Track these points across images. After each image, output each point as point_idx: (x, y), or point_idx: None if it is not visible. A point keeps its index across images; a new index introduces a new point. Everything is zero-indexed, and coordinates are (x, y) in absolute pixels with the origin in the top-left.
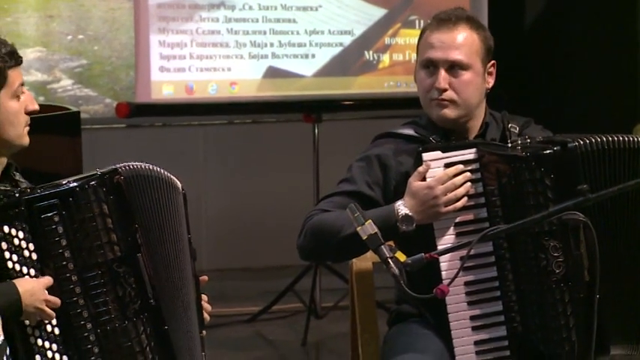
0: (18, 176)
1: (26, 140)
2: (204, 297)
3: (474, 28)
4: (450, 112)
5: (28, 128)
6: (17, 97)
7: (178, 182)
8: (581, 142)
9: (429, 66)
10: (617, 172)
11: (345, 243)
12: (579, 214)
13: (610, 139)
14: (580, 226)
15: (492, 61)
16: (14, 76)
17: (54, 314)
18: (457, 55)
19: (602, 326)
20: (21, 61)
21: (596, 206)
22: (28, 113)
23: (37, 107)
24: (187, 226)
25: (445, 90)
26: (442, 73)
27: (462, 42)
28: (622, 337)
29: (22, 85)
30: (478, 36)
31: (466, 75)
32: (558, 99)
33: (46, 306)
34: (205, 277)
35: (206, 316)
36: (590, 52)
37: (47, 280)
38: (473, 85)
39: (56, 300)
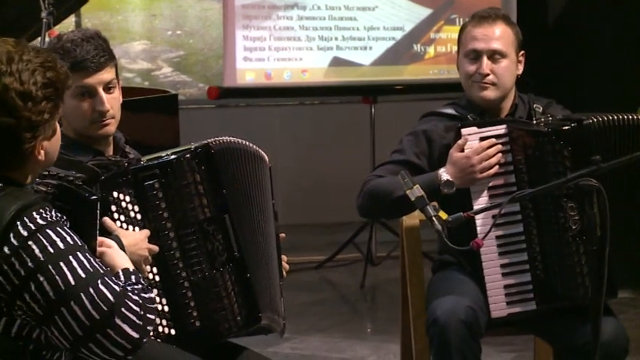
0: (128, 148)
1: (95, 132)
2: (283, 258)
3: (509, 23)
4: (490, 94)
5: (105, 122)
6: (78, 96)
7: (265, 155)
8: (595, 120)
9: (473, 55)
10: (625, 145)
11: (396, 203)
12: (592, 179)
13: (619, 117)
14: (593, 190)
15: (522, 51)
16: (73, 79)
17: (150, 260)
18: (497, 45)
19: (612, 273)
20: (84, 67)
21: (607, 173)
22: (100, 112)
23: (103, 109)
24: (272, 191)
25: (487, 75)
26: (485, 60)
27: (500, 34)
28: (629, 283)
29: (93, 88)
30: (512, 30)
31: (504, 62)
32: (575, 83)
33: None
34: (283, 235)
35: (284, 273)
36: (601, 45)
37: (146, 232)
38: (509, 70)
39: (155, 247)
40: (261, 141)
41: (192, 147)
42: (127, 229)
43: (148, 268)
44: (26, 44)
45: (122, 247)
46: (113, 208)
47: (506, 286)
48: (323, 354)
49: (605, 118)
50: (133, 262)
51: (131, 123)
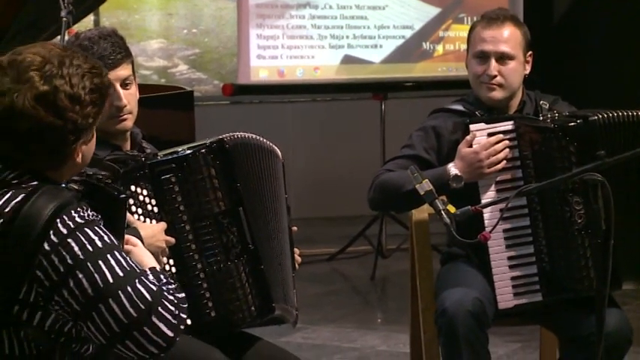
0: (145, 143)
1: (113, 127)
2: (296, 250)
3: (517, 25)
4: (497, 94)
5: (123, 117)
6: None
7: (278, 150)
8: (600, 116)
9: (482, 56)
10: (629, 141)
11: (406, 197)
12: (597, 174)
13: (625, 113)
14: (598, 185)
15: (530, 52)
16: None
17: (167, 252)
18: (505, 48)
19: (616, 266)
20: (104, 64)
21: (611, 168)
22: (118, 107)
23: (120, 104)
24: (285, 185)
25: (495, 76)
26: (493, 62)
27: (509, 37)
28: (632, 275)
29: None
30: (520, 31)
31: (512, 64)
32: (578, 82)
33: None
34: (296, 228)
35: (297, 265)
36: (605, 44)
37: (163, 224)
38: (516, 72)
39: (172, 239)
40: (274, 136)
41: (208, 142)
42: (144, 221)
43: (165, 259)
44: (75, 49)
45: (140, 238)
46: (131, 201)
47: (513, 278)
48: (334, 343)
49: (611, 115)
50: (151, 254)
51: (148, 119)
